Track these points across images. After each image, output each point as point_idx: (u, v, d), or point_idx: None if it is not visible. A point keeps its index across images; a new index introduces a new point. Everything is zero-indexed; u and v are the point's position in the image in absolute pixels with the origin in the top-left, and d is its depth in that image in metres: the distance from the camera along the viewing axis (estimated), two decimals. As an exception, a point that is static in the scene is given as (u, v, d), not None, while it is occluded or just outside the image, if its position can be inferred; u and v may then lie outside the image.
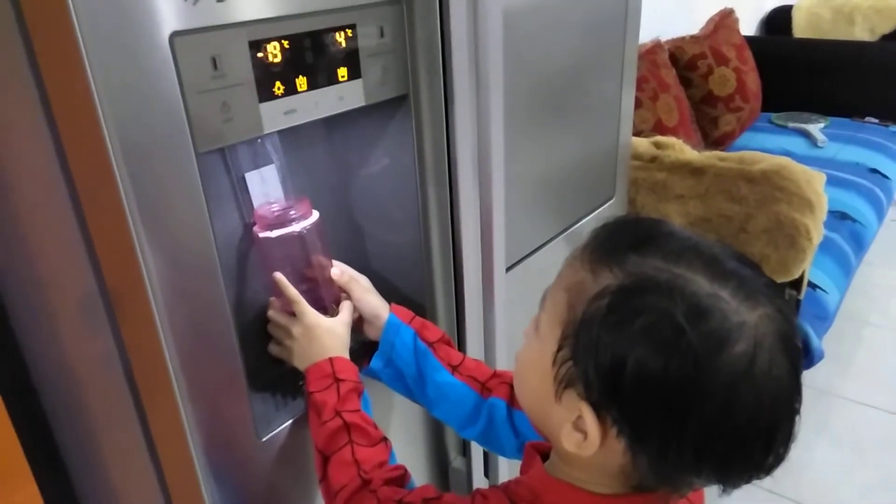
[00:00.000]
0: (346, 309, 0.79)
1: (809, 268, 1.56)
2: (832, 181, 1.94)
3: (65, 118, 0.56)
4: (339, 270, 0.81)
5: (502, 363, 1.03)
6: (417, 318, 0.83)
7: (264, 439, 0.74)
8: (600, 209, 1.29)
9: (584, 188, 1.25)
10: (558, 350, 0.51)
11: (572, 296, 0.51)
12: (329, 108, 0.72)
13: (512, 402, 0.77)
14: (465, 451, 1.08)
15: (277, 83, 0.66)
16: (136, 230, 0.58)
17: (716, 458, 0.48)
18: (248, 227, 0.78)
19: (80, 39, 0.51)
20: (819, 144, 2.60)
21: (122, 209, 0.57)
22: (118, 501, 0.82)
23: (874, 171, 2.39)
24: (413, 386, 0.81)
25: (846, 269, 1.91)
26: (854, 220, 2.07)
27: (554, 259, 1.21)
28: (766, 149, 2.53)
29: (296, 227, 0.75)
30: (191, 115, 0.59)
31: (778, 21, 3.49)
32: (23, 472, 0.75)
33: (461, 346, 0.99)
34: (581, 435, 0.51)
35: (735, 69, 2.59)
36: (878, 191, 2.28)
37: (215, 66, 0.60)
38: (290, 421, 0.77)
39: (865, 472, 1.77)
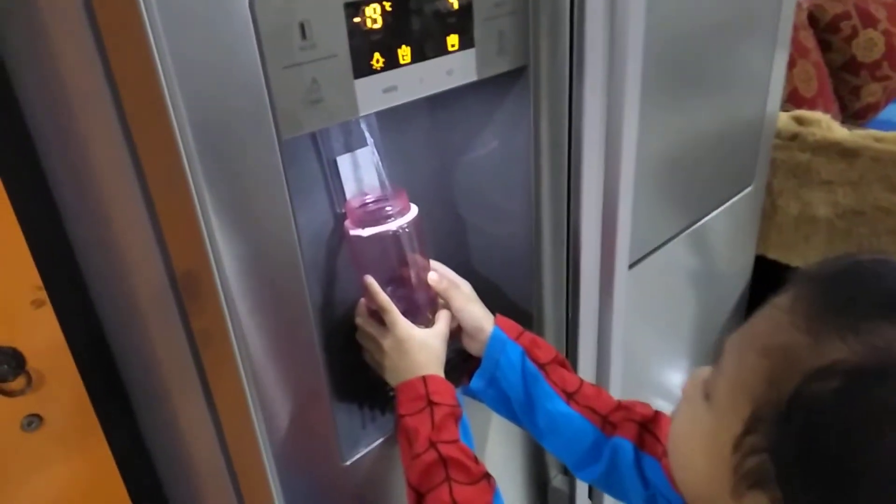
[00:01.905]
0: (443, 319, 0.69)
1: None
2: None
3: (130, 94, 0.48)
4: (438, 275, 0.71)
5: (616, 378, 0.90)
6: (527, 333, 0.71)
7: (349, 462, 0.66)
8: (735, 199, 1.12)
9: (718, 173, 1.08)
10: (745, 434, 0.39)
11: (776, 364, 0.38)
12: (436, 84, 0.60)
13: (642, 444, 0.64)
14: (567, 468, 0.97)
15: (376, 55, 0.55)
16: (208, 226, 0.50)
17: None
18: (338, 219, 0.69)
19: (143, 4, 0.42)
20: (983, 120, 2.25)
21: (191, 203, 0.48)
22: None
23: None
24: (520, 412, 0.70)
25: None
26: None
27: (679, 257, 1.06)
28: (919, 125, 2.22)
29: (391, 225, 0.65)
30: (274, 94, 0.49)
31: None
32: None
33: (571, 355, 0.87)
34: None
35: (884, 31, 2.27)
36: None
37: (304, 35, 0.49)
38: (380, 441, 0.68)
39: None
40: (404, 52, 0.57)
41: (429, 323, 0.69)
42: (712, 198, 1.08)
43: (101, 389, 0.71)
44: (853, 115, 2.33)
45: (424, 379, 0.63)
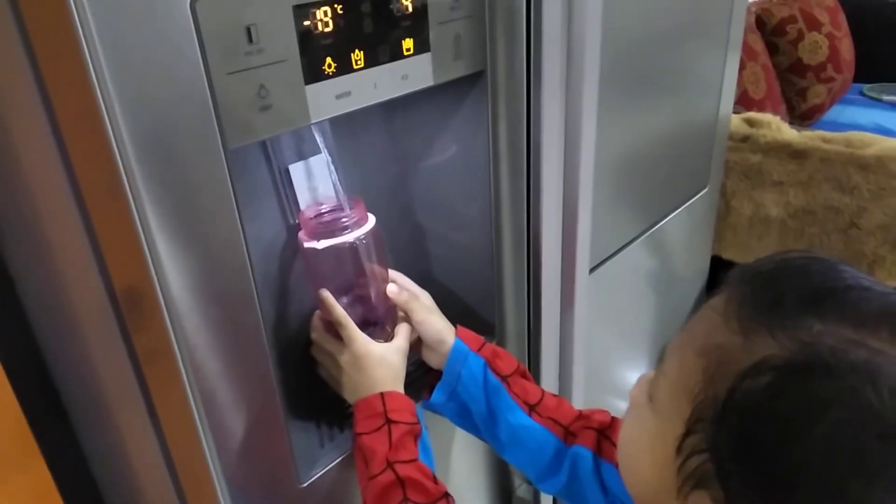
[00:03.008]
0: (402, 333, 0.67)
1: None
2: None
3: (63, 105, 0.44)
4: (397, 288, 0.68)
5: (579, 382, 0.90)
6: (488, 344, 0.70)
7: (306, 483, 0.63)
8: (692, 201, 1.13)
9: (674, 176, 1.08)
10: (686, 434, 0.39)
11: (711, 364, 0.38)
12: (391, 89, 0.58)
13: (600, 451, 0.64)
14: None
15: (328, 60, 0.52)
16: (149, 240, 0.47)
17: None
18: (291, 230, 0.66)
19: (74, 5, 0.39)
20: (920, 120, 2.34)
21: (130, 216, 0.45)
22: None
23: None
24: (481, 425, 0.69)
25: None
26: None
27: (639, 260, 1.06)
28: (860, 125, 2.29)
29: (348, 237, 0.63)
30: (219, 101, 0.46)
31: (870, -19, 3.17)
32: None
33: (534, 361, 0.86)
34: None
35: (828, 35, 2.34)
36: None
37: (250, 39, 0.47)
38: (339, 459, 0.66)
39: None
40: (357, 57, 0.54)
41: (388, 337, 0.67)
42: (669, 200, 1.08)
43: (39, 410, 0.67)
44: (800, 116, 2.40)
45: (382, 396, 0.61)
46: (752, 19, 2.16)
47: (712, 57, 1.07)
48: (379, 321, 0.67)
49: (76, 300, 0.59)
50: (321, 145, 0.62)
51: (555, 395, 0.70)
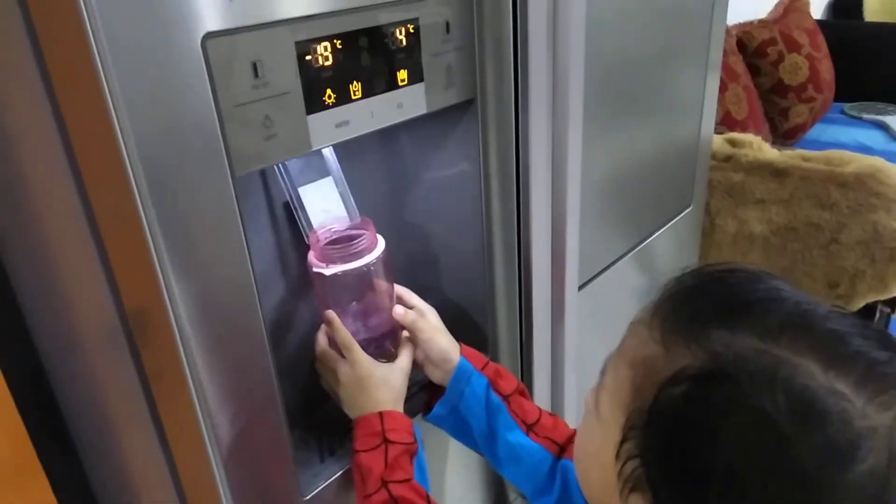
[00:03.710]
0: (405, 354, 0.69)
1: (905, 281, 1.41)
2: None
3: (79, 134, 0.47)
4: (403, 310, 0.70)
5: (571, 395, 0.92)
6: (491, 363, 0.72)
7: (309, 496, 0.65)
8: (677, 219, 1.16)
9: (659, 195, 1.12)
10: (622, 441, 0.42)
11: (638, 375, 0.41)
12: (387, 117, 0.62)
13: None
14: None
15: (328, 91, 0.56)
16: (161, 264, 0.49)
17: None
18: (298, 250, 0.69)
19: (94, 43, 0.42)
20: (900, 138, 2.40)
21: (144, 242, 0.48)
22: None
23: (962, 167, 2.19)
24: (480, 441, 0.71)
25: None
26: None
27: (627, 277, 1.09)
28: (841, 143, 2.35)
29: (359, 262, 0.64)
30: (227, 132, 0.49)
31: (847, 4, 3.25)
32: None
33: (526, 375, 0.89)
34: None
35: (807, 56, 2.40)
36: (968, 190, 2.08)
37: (256, 74, 0.50)
38: (339, 473, 0.68)
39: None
40: (355, 88, 0.58)
41: (391, 356, 0.68)
42: (655, 219, 1.12)
43: (41, 427, 0.69)
44: (783, 135, 2.45)
45: (381, 415, 0.63)
46: (734, 42, 2.22)
47: (693, 79, 1.11)
48: (383, 342, 0.69)
49: (84, 320, 0.61)
50: (333, 167, 0.65)
51: (551, 415, 0.72)
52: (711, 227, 1.42)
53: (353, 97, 0.58)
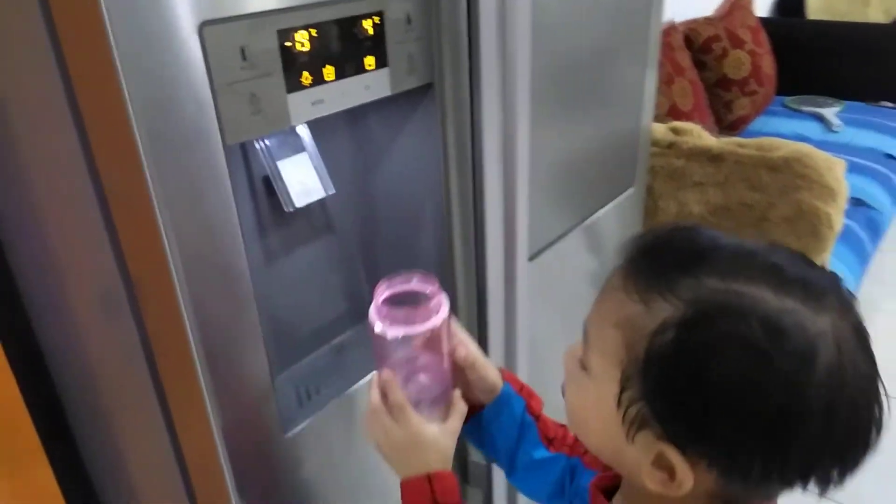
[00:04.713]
0: (456, 414, 0.66)
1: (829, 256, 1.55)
2: (848, 167, 1.91)
3: (91, 108, 0.55)
4: (465, 352, 0.69)
5: (523, 353, 1.02)
6: (525, 385, 0.74)
7: (289, 434, 0.73)
8: (619, 199, 1.27)
9: (603, 176, 1.23)
10: (621, 391, 0.48)
11: (627, 333, 0.47)
12: (356, 97, 0.70)
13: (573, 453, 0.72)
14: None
15: (305, 73, 0.64)
16: (163, 221, 0.57)
17: (822, 470, 0.45)
18: (275, 215, 0.77)
19: (110, 31, 0.49)
20: (834, 129, 2.57)
21: (149, 201, 0.56)
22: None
23: (889, 156, 2.36)
24: (502, 454, 0.72)
25: (862, 257, 1.89)
26: (870, 207, 2.05)
27: (574, 251, 1.20)
28: (781, 133, 2.49)
29: (425, 327, 0.62)
30: (220, 107, 0.57)
31: (790, 2, 3.43)
32: (38, 455, 0.74)
33: (483, 337, 0.98)
34: (664, 473, 0.48)
35: (750, 52, 2.55)
36: (893, 177, 2.25)
37: (244, 57, 0.58)
38: (313, 416, 0.76)
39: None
40: (329, 71, 0.66)
41: (442, 415, 0.66)
42: (599, 197, 1.22)
43: (35, 398, 0.75)
44: (728, 127, 2.59)
45: (430, 478, 0.62)
46: (681, 38, 2.34)
47: (633, 73, 1.22)
48: (436, 401, 0.67)
49: (83, 284, 0.68)
50: (308, 143, 0.73)
51: (562, 426, 0.74)
52: (655, 209, 1.53)
53: (327, 79, 0.66)
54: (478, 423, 0.71)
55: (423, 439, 0.63)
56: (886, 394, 0.46)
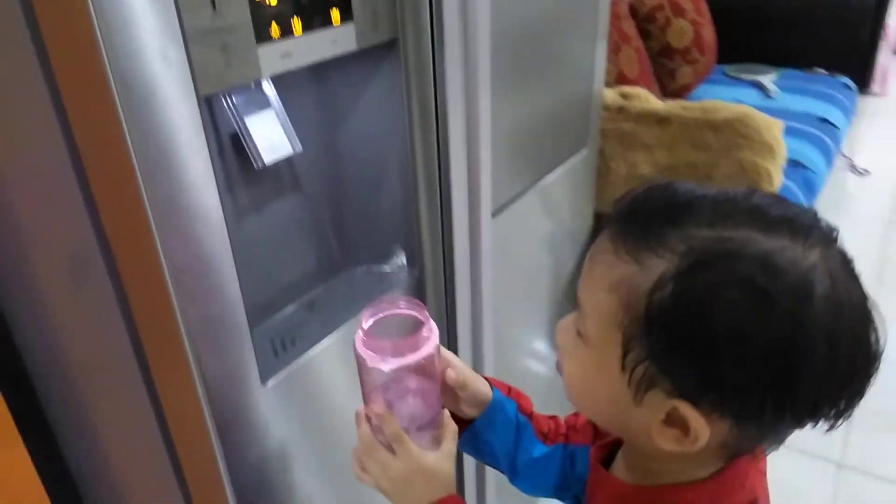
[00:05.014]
0: (449, 436, 0.64)
1: (768, 212, 1.63)
2: (785, 130, 2.01)
3: (64, 58, 0.55)
4: (454, 374, 0.67)
5: (488, 304, 1.05)
6: (512, 387, 0.74)
7: (268, 384, 0.75)
8: (573, 159, 1.32)
9: (559, 137, 1.27)
10: (625, 354, 0.48)
11: (623, 294, 0.47)
12: (323, 51, 0.72)
13: (567, 441, 0.72)
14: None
15: (273, 24, 0.65)
16: (140, 173, 0.57)
17: (830, 401, 0.46)
18: (243, 173, 0.78)
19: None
20: (771, 95, 2.68)
21: (125, 150, 0.56)
22: (116, 458, 0.83)
23: (823, 120, 2.48)
24: (501, 458, 0.72)
25: (799, 215, 1.99)
26: (806, 168, 2.16)
27: (534, 208, 1.24)
28: (722, 100, 2.59)
29: (416, 357, 0.60)
30: (192, 56, 0.58)
31: (729, -27, 3.52)
32: (10, 432, 0.74)
33: (450, 291, 1.01)
34: (676, 430, 0.48)
35: (692, 21, 2.62)
36: (827, 139, 2.37)
37: (214, 6, 0.59)
38: (290, 366, 0.78)
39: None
40: (296, 24, 0.67)
41: (436, 439, 0.64)
42: (555, 157, 1.27)
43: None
44: (672, 95, 2.67)
45: None
46: (626, 8, 2.40)
47: (585, 40, 1.26)
48: (429, 426, 0.65)
49: (50, 247, 0.68)
50: (274, 100, 0.74)
51: (551, 417, 0.75)
52: (606, 170, 1.59)
53: (295, 32, 0.68)
54: (473, 435, 0.70)
55: (424, 469, 0.61)
56: (881, 318, 0.47)
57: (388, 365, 0.59)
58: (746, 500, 0.53)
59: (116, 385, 0.75)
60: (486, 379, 0.72)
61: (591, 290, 0.51)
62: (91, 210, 0.62)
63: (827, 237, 0.46)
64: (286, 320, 0.84)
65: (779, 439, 0.50)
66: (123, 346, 0.69)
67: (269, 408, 0.76)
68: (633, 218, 0.49)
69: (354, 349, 0.61)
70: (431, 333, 0.62)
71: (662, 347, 0.46)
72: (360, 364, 0.60)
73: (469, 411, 0.70)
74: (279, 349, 0.80)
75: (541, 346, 1.39)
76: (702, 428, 0.47)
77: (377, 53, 0.81)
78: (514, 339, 1.30)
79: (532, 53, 1.11)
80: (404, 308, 0.63)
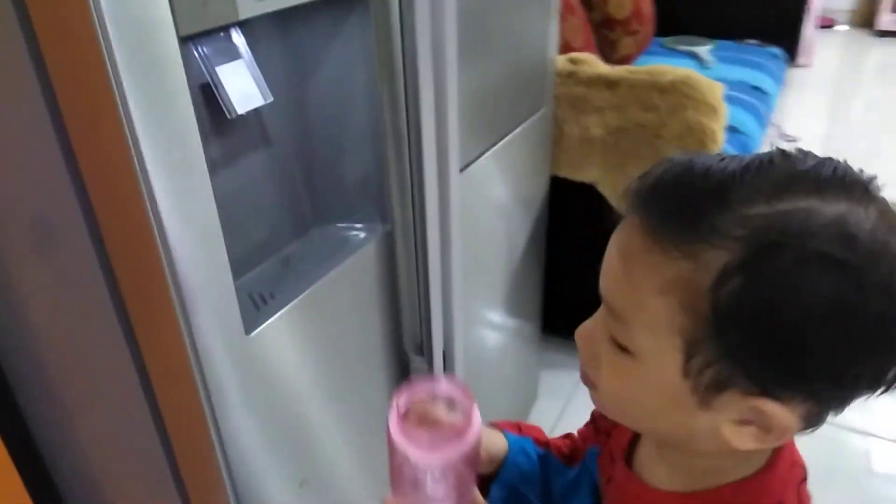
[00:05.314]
0: None
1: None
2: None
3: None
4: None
5: (457, 258, 1.07)
6: (520, 423, 0.71)
7: (250, 335, 0.75)
8: (532, 120, 1.35)
9: (517, 100, 1.30)
10: (688, 360, 0.43)
11: (680, 296, 0.42)
12: (297, -4, 0.71)
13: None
14: (422, 350, 1.12)
15: (250, -33, 0.65)
16: (125, 117, 0.56)
17: None
18: (214, 126, 0.77)
19: None
20: (708, 65, 2.78)
21: (108, 87, 0.55)
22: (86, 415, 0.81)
23: (756, 88, 2.60)
24: (535, 496, 0.68)
25: (738, 176, 2.08)
26: (742, 133, 2.25)
27: (496, 165, 1.26)
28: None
29: (466, 443, 0.53)
30: (173, -2, 0.57)
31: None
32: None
33: (421, 243, 1.02)
34: (752, 427, 0.44)
35: (630, -7, 2.69)
36: (760, 106, 2.48)
37: (192, -55, 0.58)
38: (272, 318, 0.78)
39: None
40: (271, -34, 0.67)
41: None
42: (514, 118, 1.29)
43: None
44: (613, 64, 2.74)
45: None
46: (569, -21, 2.44)
47: (539, 13, 1.30)
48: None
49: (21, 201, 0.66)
50: (243, 50, 0.74)
51: (565, 437, 0.72)
52: (560, 134, 1.62)
53: (270, -25, 0.67)
54: (503, 485, 0.66)
55: None
56: None
57: (435, 459, 0.53)
58: (801, 475, 0.51)
59: (98, 339, 0.74)
60: (495, 426, 0.69)
61: (633, 297, 0.44)
62: (69, 162, 0.61)
63: (867, 188, 0.42)
64: (262, 276, 0.84)
65: (841, 409, 0.46)
66: (104, 303, 0.68)
67: (254, 358, 0.76)
68: (667, 207, 0.43)
69: (388, 435, 0.53)
70: (474, 416, 0.54)
71: (741, 346, 0.41)
72: (393, 451, 0.54)
73: (487, 468, 0.67)
74: (259, 303, 0.79)
75: (498, 303, 1.43)
76: (787, 419, 0.43)
77: (346, 5, 0.81)
78: (479, 294, 1.33)
79: (491, 21, 1.13)
80: (445, 388, 0.57)
